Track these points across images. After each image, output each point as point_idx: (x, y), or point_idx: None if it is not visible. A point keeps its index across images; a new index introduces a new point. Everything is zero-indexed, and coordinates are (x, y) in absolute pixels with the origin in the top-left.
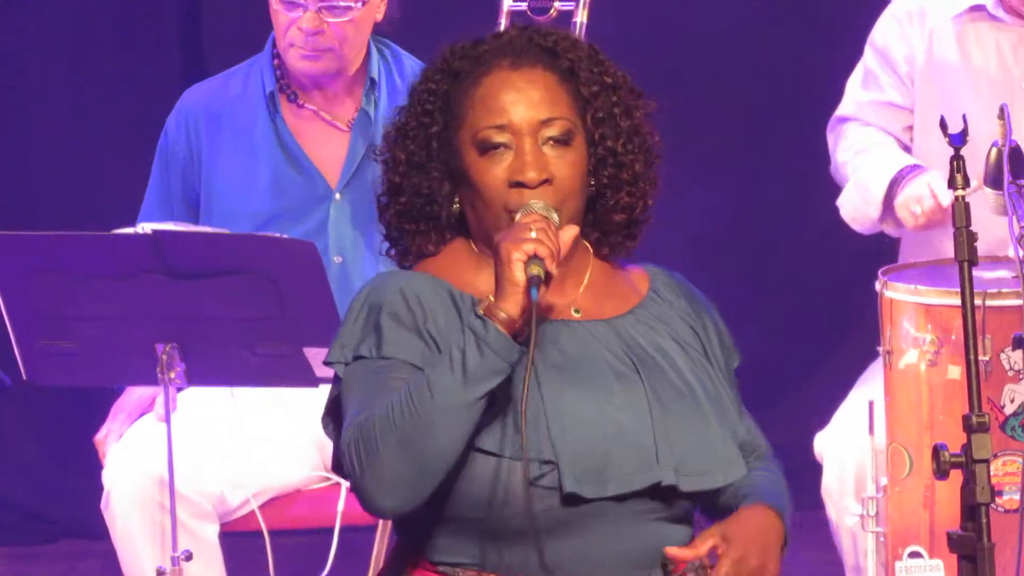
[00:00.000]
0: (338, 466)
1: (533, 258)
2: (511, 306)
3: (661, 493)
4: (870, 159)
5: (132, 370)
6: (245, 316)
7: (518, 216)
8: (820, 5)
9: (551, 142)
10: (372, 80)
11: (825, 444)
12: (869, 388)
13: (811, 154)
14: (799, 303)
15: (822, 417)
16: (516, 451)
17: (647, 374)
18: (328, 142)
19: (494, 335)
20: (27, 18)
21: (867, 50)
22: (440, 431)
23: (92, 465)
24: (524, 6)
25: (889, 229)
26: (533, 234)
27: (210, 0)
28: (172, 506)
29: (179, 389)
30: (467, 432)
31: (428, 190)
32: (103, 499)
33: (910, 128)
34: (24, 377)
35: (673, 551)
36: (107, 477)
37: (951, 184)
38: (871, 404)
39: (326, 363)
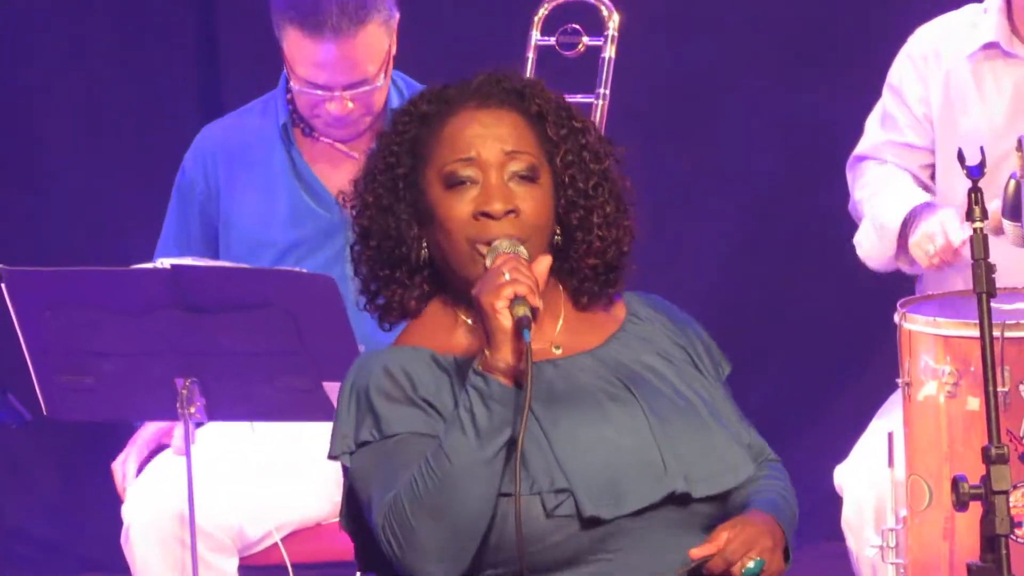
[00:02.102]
0: (360, 555)
1: (515, 299)
2: (506, 354)
3: (677, 503)
4: (885, 197)
5: (151, 405)
6: (264, 350)
7: (487, 261)
8: (836, 43)
9: (517, 177)
10: (392, 111)
11: (845, 476)
12: (889, 420)
13: (831, 187)
14: (819, 335)
15: (842, 449)
16: (527, 487)
17: (640, 392)
18: (345, 171)
19: (497, 388)
20: (43, 54)
21: (885, 90)
22: (467, 493)
23: (112, 499)
24: (552, 41)
25: (905, 267)
26: (507, 276)
27: (228, 36)
28: (193, 541)
29: (198, 424)
30: (494, 487)
31: (396, 231)
32: (123, 534)
33: (928, 167)
34: (44, 412)
35: (695, 551)
36: (127, 512)
37: (969, 216)
38: (890, 436)
39: (331, 457)
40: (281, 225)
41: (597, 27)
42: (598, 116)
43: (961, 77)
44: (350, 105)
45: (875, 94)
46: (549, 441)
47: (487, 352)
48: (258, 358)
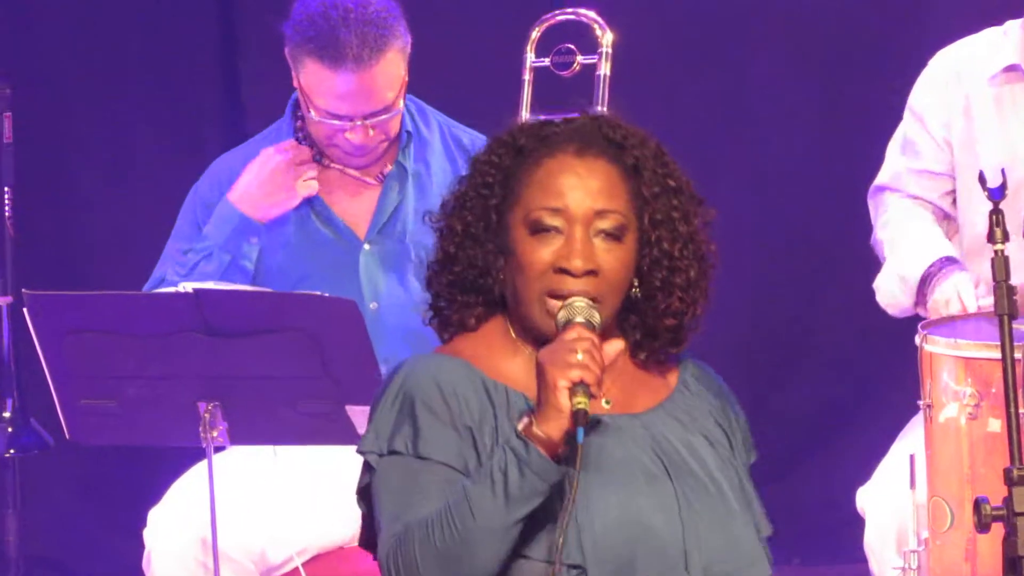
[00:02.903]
0: (366, 542)
1: (579, 384)
2: (553, 430)
3: None
4: (905, 247)
5: (174, 429)
6: (286, 374)
7: (560, 317)
8: (862, 69)
9: (603, 234)
10: (408, 134)
11: (867, 498)
12: (910, 442)
13: (855, 210)
14: (840, 357)
15: (864, 471)
16: (543, 552)
17: (676, 474)
18: (354, 195)
19: (536, 459)
20: (70, 81)
21: (906, 114)
22: (481, 552)
23: (134, 524)
24: (547, 62)
25: (923, 312)
26: (580, 356)
27: (249, 62)
28: (215, 565)
29: (219, 448)
30: (508, 551)
31: (483, 263)
32: (144, 558)
33: (949, 193)
34: (67, 436)
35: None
36: (149, 536)
37: (990, 238)
38: (912, 458)
39: (360, 452)
40: (290, 251)
41: (592, 45)
42: None
43: (982, 100)
44: (371, 133)
45: (896, 118)
46: (575, 511)
47: (534, 419)
48: (280, 382)
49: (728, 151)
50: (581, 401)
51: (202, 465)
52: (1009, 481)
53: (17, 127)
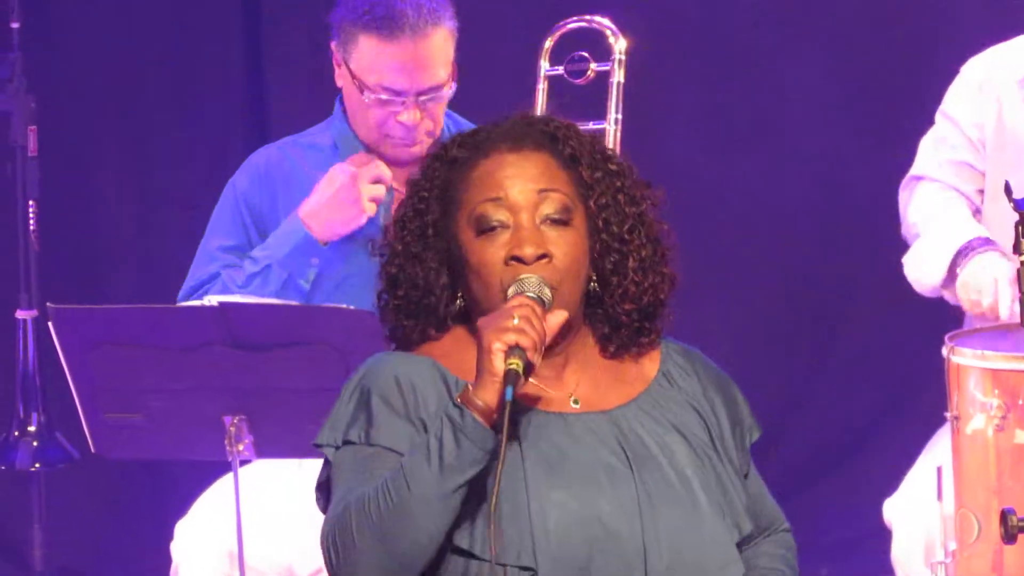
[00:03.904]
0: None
1: (515, 348)
2: (489, 395)
3: None
4: (940, 222)
5: (200, 442)
6: (313, 387)
7: (510, 292)
8: (880, 83)
9: (549, 220)
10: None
11: (894, 510)
12: (937, 454)
13: (880, 220)
14: (867, 369)
15: (891, 483)
16: (497, 554)
17: (641, 471)
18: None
19: (471, 424)
20: (92, 91)
21: (938, 117)
22: (417, 523)
23: (160, 537)
24: (561, 70)
25: (948, 296)
26: (516, 321)
27: (274, 69)
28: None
29: (245, 462)
30: (445, 524)
31: (425, 281)
32: (172, 571)
33: (982, 191)
34: (92, 450)
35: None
36: (176, 549)
37: (1016, 249)
38: (939, 470)
39: (315, 445)
40: (336, 254)
41: (606, 53)
42: (612, 141)
43: (1013, 103)
44: (420, 115)
45: (928, 117)
46: (530, 508)
47: (471, 386)
48: (306, 395)
49: (756, 153)
50: (513, 362)
51: (228, 478)
52: None
53: (42, 141)
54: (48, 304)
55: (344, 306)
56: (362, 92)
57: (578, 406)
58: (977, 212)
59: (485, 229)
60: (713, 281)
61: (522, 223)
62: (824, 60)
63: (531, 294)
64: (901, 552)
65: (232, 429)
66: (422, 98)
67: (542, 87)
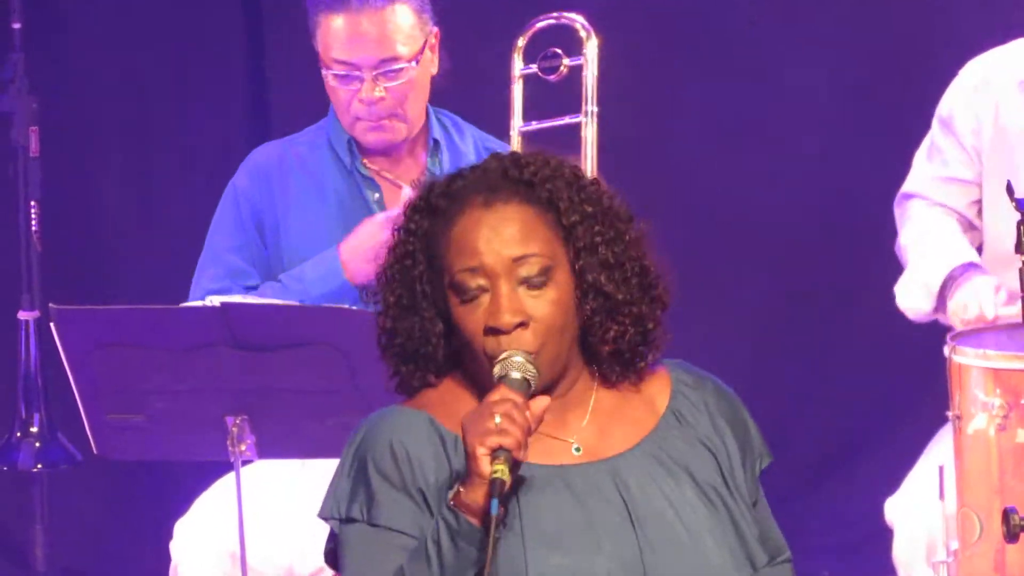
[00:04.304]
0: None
1: (499, 450)
2: (479, 497)
3: None
4: (928, 250)
5: (202, 443)
6: (314, 388)
7: (495, 371)
8: (874, 84)
9: (526, 283)
10: (436, 141)
11: (896, 510)
12: (939, 453)
13: (879, 221)
14: (869, 369)
15: (892, 483)
16: None
17: (643, 524)
18: (393, 201)
19: (466, 528)
20: (94, 96)
21: (934, 122)
22: None
23: (161, 538)
24: (535, 68)
25: (942, 319)
26: (497, 420)
27: (276, 71)
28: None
29: (247, 462)
30: None
31: (420, 332)
32: (171, 571)
33: (975, 203)
34: (94, 451)
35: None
36: (175, 548)
37: (1018, 249)
38: (941, 469)
39: (320, 517)
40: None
41: (579, 48)
42: (589, 134)
43: (1012, 105)
44: (379, 91)
45: (925, 124)
46: (527, 569)
47: (461, 488)
48: (308, 396)
49: (756, 153)
50: (498, 469)
51: (229, 477)
52: None
53: (44, 141)
54: (50, 305)
55: (346, 306)
56: (327, 78)
57: (580, 454)
58: (970, 227)
59: (465, 299)
60: (714, 281)
61: (499, 291)
62: (824, 59)
63: (515, 375)
64: (903, 552)
65: (234, 429)
66: (377, 73)
67: (517, 86)
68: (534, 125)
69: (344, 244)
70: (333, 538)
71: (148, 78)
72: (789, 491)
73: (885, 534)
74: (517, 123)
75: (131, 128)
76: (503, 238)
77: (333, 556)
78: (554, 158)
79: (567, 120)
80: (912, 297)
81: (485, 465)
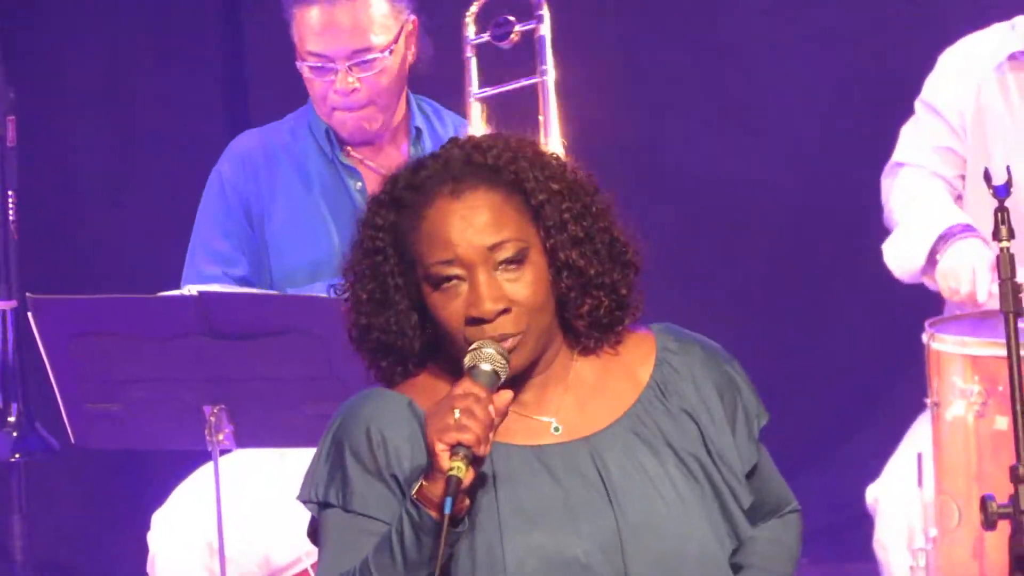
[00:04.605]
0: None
1: (458, 446)
2: (441, 491)
3: None
4: (921, 209)
5: (180, 432)
6: (292, 376)
7: (466, 361)
8: (863, 68)
9: (503, 265)
10: (417, 129)
11: (876, 495)
12: (919, 439)
13: (859, 208)
14: (848, 356)
15: (872, 469)
16: None
17: (622, 502)
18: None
19: (427, 522)
20: (72, 83)
21: (918, 106)
22: None
23: (139, 527)
24: (487, 37)
25: (928, 283)
26: (457, 416)
27: (254, 60)
28: (222, 568)
29: (225, 451)
30: None
31: (397, 325)
32: (149, 562)
33: (962, 177)
34: (72, 440)
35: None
36: (152, 538)
37: (995, 236)
38: (919, 456)
39: (299, 500)
40: (319, 237)
41: (531, 11)
42: (547, 93)
43: (991, 89)
44: (353, 81)
45: (898, 116)
46: (504, 553)
47: (424, 482)
48: (286, 384)
49: (743, 139)
50: (455, 466)
51: (207, 467)
52: (1016, 479)
53: (21, 130)
54: (28, 294)
55: (323, 295)
56: (302, 70)
57: (559, 433)
58: (959, 198)
59: (440, 285)
60: (698, 266)
61: (478, 280)
62: (812, 45)
63: (485, 366)
64: (883, 538)
65: (212, 419)
66: (351, 64)
67: (470, 55)
68: (489, 91)
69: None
70: (315, 520)
71: (125, 67)
72: None
73: (865, 521)
74: (473, 90)
75: (109, 118)
76: (475, 227)
77: (315, 536)
78: (513, 138)
79: (523, 83)
80: (902, 255)
81: (444, 461)
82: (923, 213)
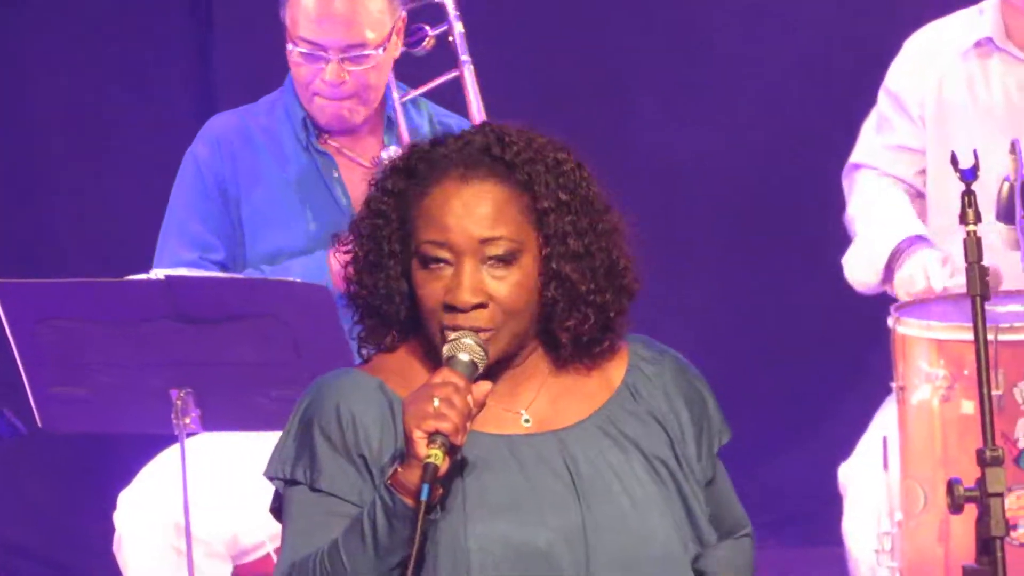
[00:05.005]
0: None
1: (436, 434)
2: (416, 478)
3: None
4: (874, 223)
5: (147, 416)
6: (259, 360)
7: (444, 351)
8: (822, 55)
9: (492, 261)
10: (390, 119)
11: (847, 476)
12: (888, 421)
13: (825, 192)
14: (814, 340)
15: (838, 454)
16: None
17: (588, 497)
18: (350, 178)
19: (400, 508)
20: (39, 70)
21: (881, 94)
22: None
23: (106, 510)
24: (403, 48)
25: (890, 291)
26: (436, 404)
27: (222, 41)
28: (188, 549)
29: (192, 434)
30: None
31: (385, 289)
32: (115, 542)
33: (923, 172)
34: (39, 424)
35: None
36: (119, 519)
37: (962, 219)
38: (884, 440)
39: (266, 476)
40: (299, 220)
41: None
42: (468, 86)
43: (954, 76)
44: (345, 76)
45: (868, 102)
46: (467, 542)
47: (399, 468)
48: (253, 368)
49: (700, 130)
50: (432, 454)
51: (173, 449)
52: (982, 462)
53: None
54: None
55: (292, 279)
56: (291, 52)
57: (529, 425)
58: (918, 195)
59: (428, 264)
60: (671, 255)
61: (462, 269)
62: (786, 33)
63: (463, 356)
64: (849, 521)
65: (178, 403)
66: (344, 57)
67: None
68: (411, 92)
69: (335, 253)
70: (279, 496)
71: (91, 48)
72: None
73: (832, 505)
74: (396, 96)
75: (75, 102)
76: (474, 217)
77: (279, 514)
78: (540, 139)
79: (445, 78)
80: (860, 270)
81: (421, 448)
82: (877, 229)
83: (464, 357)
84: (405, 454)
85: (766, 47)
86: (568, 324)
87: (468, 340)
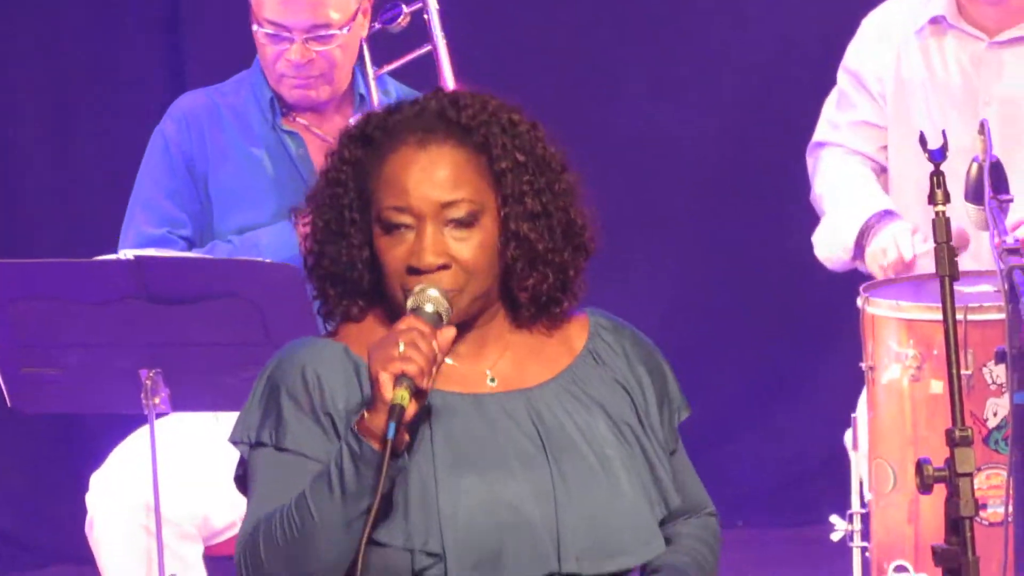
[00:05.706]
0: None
1: (402, 377)
2: (383, 422)
3: None
4: (843, 200)
5: (116, 396)
6: (229, 341)
7: (408, 304)
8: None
9: (453, 223)
10: (361, 96)
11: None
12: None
13: (791, 172)
14: (781, 319)
15: (811, 434)
16: (402, 539)
17: (556, 455)
18: (317, 156)
19: (368, 453)
20: (7, 53)
21: (840, 74)
22: (324, 549)
23: (78, 491)
24: (378, 25)
25: (861, 267)
26: (401, 348)
27: (189, 24)
28: (158, 530)
29: (161, 415)
30: (352, 545)
31: (348, 257)
32: (87, 523)
33: (886, 147)
34: (8, 404)
35: None
36: (90, 500)
37: (931, 200)
38: (854, 420)
39: (231, 441)
40: (267, 197)
41: None
42: (442, 62)
43: (910, 53)
44: (311, 55)
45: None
46: (438, 492)
47: (366, 414)
48: (222, 349)
49: (669, 105)
50: (399, 395)
51: (143, 430)
52: (951, 442)
53: None
54: None
55: (261, 259)
56: (256, 31)
57: (495, 384)
58: (883, 171)
59: (391, 228)
60: (630, 233)
61: (424, 232)
62: (770, 12)
63: (428, 307)
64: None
65: (148, 383)
66: (308, 37)
67: (364, 46)
68: (384, 68)
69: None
70: (243, 464)
71: (61, 26)
72: (703, 443)
73: (800, 484)
74: (371, 72)
75: (46, 83)
76: (433, 181)
77: (243, 482)
78: (494, 101)
79: (417, 53)
80: (830, 248)
81: (387, 390)
82: (845, 207)
83: (429, 308)
84: (371, 400)
85: (751, 29)
86: (527, 283)
87: (433, 292)
